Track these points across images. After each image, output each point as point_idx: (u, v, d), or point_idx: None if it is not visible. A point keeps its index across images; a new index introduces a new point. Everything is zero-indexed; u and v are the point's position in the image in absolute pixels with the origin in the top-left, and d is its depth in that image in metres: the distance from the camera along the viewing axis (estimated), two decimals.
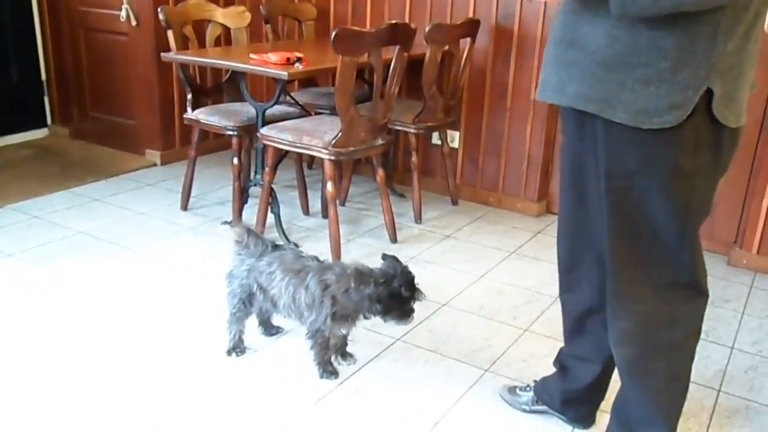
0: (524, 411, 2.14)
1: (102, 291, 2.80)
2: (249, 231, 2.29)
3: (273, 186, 3.27)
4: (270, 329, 2.50)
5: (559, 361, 2.05)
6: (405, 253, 3.26)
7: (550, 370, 2.10)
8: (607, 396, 2.01)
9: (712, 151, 1.47)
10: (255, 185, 3.40)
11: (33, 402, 2.10)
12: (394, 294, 2.04)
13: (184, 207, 3.67)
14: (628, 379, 1.75)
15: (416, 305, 2.11)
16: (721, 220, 3.29)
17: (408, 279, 2.07)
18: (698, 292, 1.65)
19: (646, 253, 1.58)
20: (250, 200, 3.48)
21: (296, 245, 3.27)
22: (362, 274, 2.08)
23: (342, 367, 2.33)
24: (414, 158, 3.62)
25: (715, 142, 1.47)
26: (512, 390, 2.19)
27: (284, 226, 3.35)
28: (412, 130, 3.55)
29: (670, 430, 1.75)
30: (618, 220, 1.58)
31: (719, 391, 2.28)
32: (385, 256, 2.15)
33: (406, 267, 2.11)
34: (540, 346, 2.51)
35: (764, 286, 3.07)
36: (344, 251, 3.14)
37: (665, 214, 1.52)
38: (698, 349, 1.91)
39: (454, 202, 3.93)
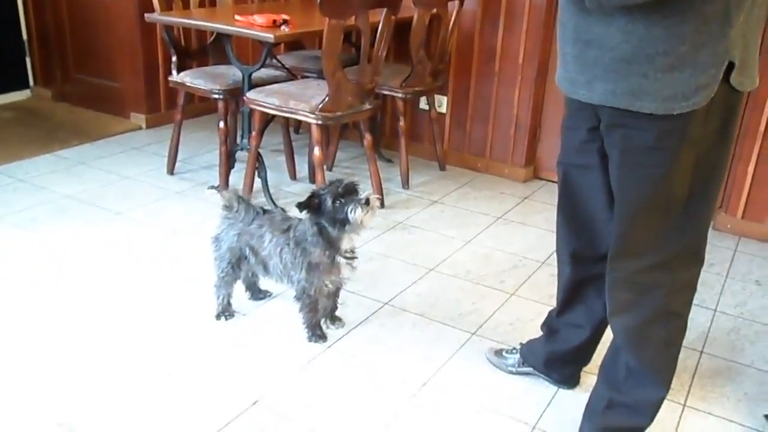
0: (510, 373, 2.17)
1: (89, 255, 2.79)
2: (239, 197, 2.29)
3: (260, 150, 3.24)
4: (257, 293, 2.52)
5: (548, 325, 2.08)
6: (393, 218, 3.26)
7: (537, 333, 2.13)
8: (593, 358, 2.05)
9: (722, 116, 1.49)
10: (242, 149, 3.38)
11: (21, 368, 2.10)
12: (329, 199, 2.03)
13: (171, 171, 3.65)
14: (624, 346, 1.78)
15: (373, 215, 2.08)
16: None
17: (339, 183, 2.07)
18: (697, 260, 1.68)
19: (655, 223, 1.59)
20: (236, 164, 3.46)
21: (284, 210, 3.26)
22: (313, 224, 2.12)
23: (331, 330, 2.35)
24: (401, 123, 3.60)
25: (726, 108, 1.48)
26: (498, 352, 2.22)
27: (271, 191, 3.33)
28: (399, 95, 3.52)
29: (664, 391, 1.79)
30: (629, 193, 1.59)
31: (702, 352, 2.33)
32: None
33: (338, 180, 2.10)
34: (526, 310, 2.54)
35: (748, 250, 3.11)
36: None
37: (675, 184, 1.53)
38: None
39: (442, 168, 3.93)
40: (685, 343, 1.99)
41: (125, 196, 3.37)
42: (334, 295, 2.34)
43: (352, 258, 2.19)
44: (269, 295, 2.53)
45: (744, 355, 2.34)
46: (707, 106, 1.43)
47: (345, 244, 2.15)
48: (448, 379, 2.15)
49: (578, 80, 1.57)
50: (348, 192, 2.05)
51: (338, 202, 2.03)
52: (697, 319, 2.49)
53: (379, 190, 3.36)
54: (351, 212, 2.02)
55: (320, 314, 2.29)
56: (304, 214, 2.10)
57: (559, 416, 2.00)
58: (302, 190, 3.52)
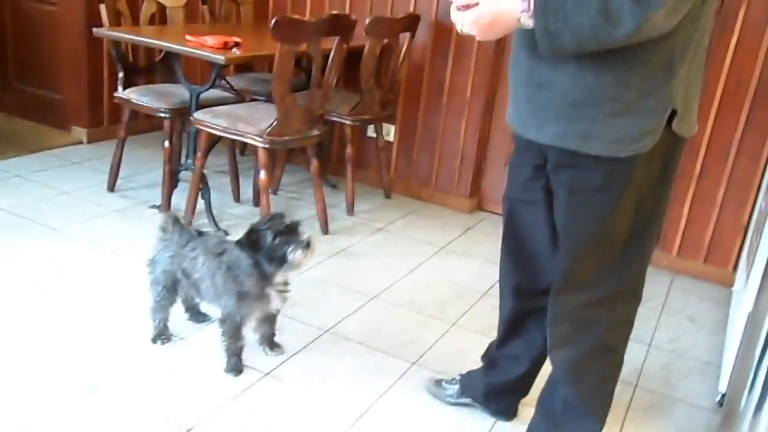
0: (449, 403, 2.17)
1: (22, 272, 2.68)
2: (175, 219, 2.26)
3: (204, 171, 3.20)
4: (197, 316, 2.46)
5: (488, 356, 2.09)
6: (336, 245, 3.25)
7: (477, 364, 2.14)
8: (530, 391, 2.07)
9: (663, 160, 1.55)
10: (186, 170, 3.32)
11: None
12: (269, 235, 2.01)
13: (111, 188, 3.56)
14: (562, 379, 1.81)
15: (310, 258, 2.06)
16: None
17: (280, 221, 2.04)
18: (635, 297, 1.74)
19: (597, 261, 1.64)
20: (180, 184, 3.40)
21: (226, 233, 3.21)
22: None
23: (270, 357, 2.31)
24: (349, 150, 3.61)
25: (667, 153, 1.55)
26: (438, 383, 2.22)
27: (214, 213, 3.28)
28: (348, 122, 3.53)
29: (599, 426, 1.82)
30: (573, 230, 1.64)
31: (636, 386, 2.38)
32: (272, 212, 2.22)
33: (269, 219, 2.07)
34: (467, 340, 2.55)
35: (682, 287, 3.21)
36: None
37: (618, 224, 1.59)
38: None
39: (387, 196, 3.94)
40: (619, 377, 2.04)
41: (62, 211, 3.26)
42: (271, 321, 2.29)
43: (284, 291, 2.16)
44: (209, 319, 2.47)
45: (677, 389, 2.40)
46: (650, 150, 1.49)
47: (279, 278, 2.12)
48: (387, 409, 2.13)
49: (529, 121, 1.61)
50: (289, 231, 2.02)
51: (278, 239, 2.00)
52: (631, 353, 2.53)
53: (324, 216, 3.35)
54: (291, 253, 2.00)
55: (242, 343, 2.21)
56: (241, 245, 2.06)
57: None
58: (246, 212, 3.48)
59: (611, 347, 1.76)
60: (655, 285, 3.17)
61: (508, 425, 2.11)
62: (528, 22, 1.41)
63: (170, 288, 2.23)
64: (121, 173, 3.57)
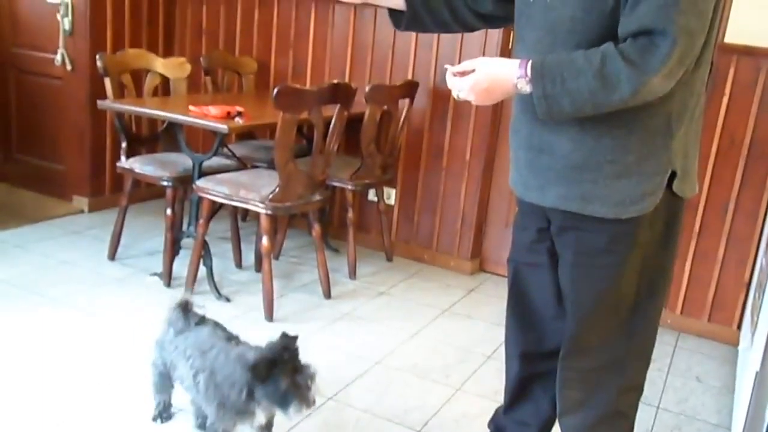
0: None
1: (22, 344, 2.66)
2: (184, 304, 2.09)
3: (206, 238, 3.21)
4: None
5: (495, 423, 2.06)
6: (339, 309, 3.23)
7: (483, 429, 2.10)
8: None
9: (666, 221, 1.56)
10: (188, 237, 3.33)
11: None
12: (269, 378, 1.76)
13: (112, 257, 3.56)
14: None
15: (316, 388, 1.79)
16: None
17: (288, 364, 1.78)
18: (645, 360, 1.72)
19: (605, 323, 1.63)
20: (181, 251, 3.40)
21: (228, 299, 3.21)
22: (241, 358, 1.83)
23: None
24: (350, 214, 3.63)
25: (669, 213, 1.56)
26: None
27: (216, 279, 3.28)
28: (349, 187, 3.57)
29: None
30: (580, 293, 1.64)
31: None
32: (282, 334, 1.84)
33: (288, 348, 1.80)
34: (472, 405, 2.51)
35: (687, 346, 3.18)
36: (277, 306, 3.09)
37: (624, 285, 1.58)
38: None
39: (389, 258, 3.95)
40: None
41: (62, 281, 3.26)
42: (268, 427, 2.01)
43: (271, 411, 1.88)
44: None
45: None
46: (653, 211, 1.50)
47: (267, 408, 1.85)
48: None
49: (531, 184, 1.64)
50: (298, 382, 1.77)
51: (288, 388, 1.75)
52: (640, 416, 2.48)
53: (326, 280, 3.34)
54: (294, 406, 1.75)
55: None
56: (242, 372, 1.80)
57: None
58: (247, 278, 3.47)
59: (622, 412, 1.73)
60: (661, 345, 3.13)
61: None
62: (525, 88, 1.45)
63: (165, 374, 2.10)
64: (122, 241, 3.57)
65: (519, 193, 1.72)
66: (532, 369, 1.89)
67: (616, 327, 1.63)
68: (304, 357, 1.80)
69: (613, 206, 1.50)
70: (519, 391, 1.95)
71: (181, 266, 3.32)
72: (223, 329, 2.04)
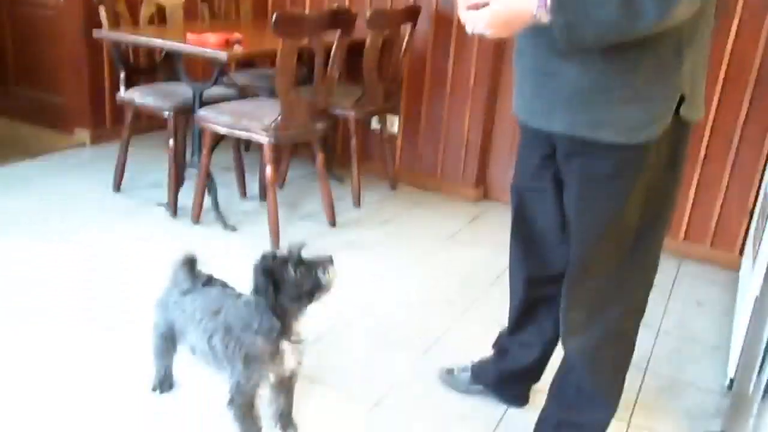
0: (461, 391, 2.19)
1: (33, 275, 2.70)
2: (189, 261, 1.93)
3: (209, 168, 3.21)
4: None
5: (498, 344, 2.10)
6: (344, 238, 3.26)
7: (487, 352, 2.15)
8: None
9: (672, 146, 1.55)
10: (191, 167, 3.33)
11: None
12: (291, 269, 1.66)
13: (117, 188, 3.57)
14: (575, 367, 1.81)
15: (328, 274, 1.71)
16: None
17: (292, 252, 1.68)
18: (647, 285, 1.74)
19: (609, 249, 1.64)
20: (186, 182, 3.41)
21: (234, 229, 3.23)
22: (248, 302, 1.74)
23: None
24: (353, 143, 3.61)
25: (675, 139, 1.54)
26: (450, 371, 2.23)
27: (221, 209, 3.29)
28: (351, 115, 3.54)
29: (612, 411, 1.83)
30: (586, 219, 1.64)
31: (645, 371, 2.39)
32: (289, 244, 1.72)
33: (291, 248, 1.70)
34: (476, 329, 2.56)
35: (689, 271, 3.21)
36: (283, 235, 3.12)
37: (630, 211, 1.58)
38: None
39: (393, 187, 3.95)
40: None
41: (69, 213, 3.28)
42: (288, 390, 1.91)
43: (300, 342, 1.76)
44: None
45: (686, 373, 2.41)
46: (660, 136, 1.49)
47: (297, 325, 1.75)
48: (398, 399, 2.15)
49: (536, 110, 1.61)
50: (301, 257, 1.69)
51: (300, 269, 1.67)
52: (640, 338, 2.53)
53: (331, 209, 3.36)
54: (323, 274, 1.68)
55: (259, 425, 1.83)
56: (255, 298, 1.70)
57: None
58: (252, 208, 3.49)
59: (623, 334, 1.77)
60: (663, 270, 3.10)
61: (520, 411, 2.12)
62: (544, 18, 1.40)
63: (168, 337, 1.95)
64: (127, 173, 3.58)
65: (523, 120, 1.70)
66: (536, 293, 1.92)
67: (620, 252, 1.64)
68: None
69: (622, 132, 1.49)
70: (523, 314, 1.98)
71: (187, 197, 3.33)
72: (232, 289, 1.90)
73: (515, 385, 2.12)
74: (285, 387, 1.87)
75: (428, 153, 3.93)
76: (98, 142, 4.26)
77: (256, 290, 1.68)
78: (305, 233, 3.27)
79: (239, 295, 1.82)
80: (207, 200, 3.28)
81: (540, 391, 2.07)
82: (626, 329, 1.77)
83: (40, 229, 3.09)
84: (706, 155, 3.21)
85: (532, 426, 1.91)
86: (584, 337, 1.75)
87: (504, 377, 2.10)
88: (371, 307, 2.68)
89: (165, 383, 2.06)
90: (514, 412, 2.12)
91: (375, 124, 3.96)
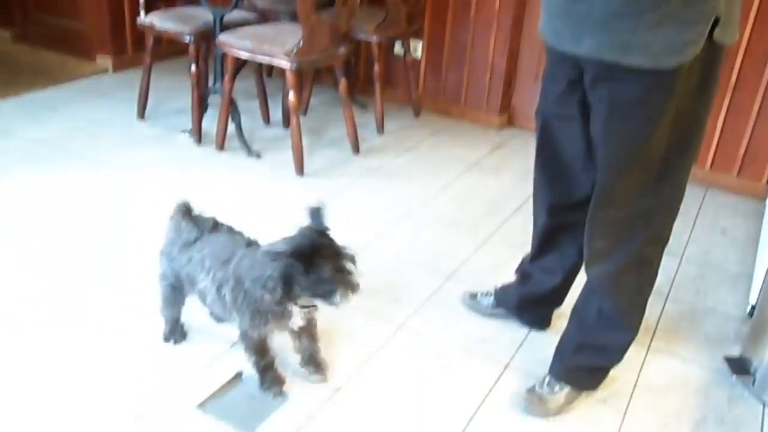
0: (484, 315, 2.23)
1: (62, 201, 2.75)
2: (186, 208, 1.87)
3: (232, 95, 3.20)
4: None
5: (521, 270, 2.13)
6: (367, 164, 3.26)
7: (510, 277, 2.18)
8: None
9: (703, 71, 1.51)
10: (214, 94, 3.32)
11: None
12: (311, 266, 1.56)
13: (141, 115, 3.58)
14: (597, 291, 1.83)
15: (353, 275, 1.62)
16: None
17: (329, 249, 1.59)
18: (672, 213, 1.73)
19: (636, 176, 1.63)
20: (209, 109, 3.40)
21: (258, 155, 3.24)
22: (270, 254, 1.62)
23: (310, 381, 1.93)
24: (376, 68, 3.57)
25: (707, 63, 1.50)
26: (473, 296, 2.27)
27: (245, 136, 3.30)
28: (374, 39, 3.48)
29: (633, 335, 1.86)
30: (613, 146, 1.61)
31: (667, 297, 2.41)
32: (310, 212, 1.64)
33: (323, 233, 1.62)
34: (499, 255, 2.59)
35: (714, 200, 3.18)
36: (307, 161, 3.13)
37: (657, 138, 1.56)
38: None
39: (417, 114, 3.92)
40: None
41: (96, 140, 3.31)
42: (308, 333, 1.87)
43: (308, 307, 1.71)
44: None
45: (707, 300, 2.43)
46: (691, 60, 1.45)
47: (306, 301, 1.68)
48: (422, 322, 2.19)
49: (565, 33, 1.58)
50: (339, 263, 1.59)
51: (330, 276, 1.57)
52: (663, 265, 2.53)
53: (354, 136, 3.35)
54: (337, 296, 1.59)
55: (271, 356, 1.85)
56: (270, 269, 1.59)
57: (530, 356, 2.07)
58: (276, 135, 3.50)
59: (647, 260, 1.77)
60: (688, 198, 3.05)
61: (541, 335, 2.16)
62: None
63: (177, 287, 1.90)
64: (150, 100, 3.58)
65: (551, 43, 1.66)
66: (559, 219, 1.92)
67: (646, 179, 1.63)
68: (335, 222, 1.68)
69: (653, 56, 1.45)
70: (546, 240, 1.99)
71: (210, 124, 3.34)
72: (241, 234, 1.85)
73: (537, 309, 2.16)
74: (304, 332, 1.85)
75: (452, 79, 3.88)
76: (120, 68, 4.24)
77: (295, 258, 1.55)
78: (329, 160, 3.28)
79: (249, 243, 1.79)
80: (231, 127, 3.28)
81: (562, 316, 2.10)
82: (650, 257, 1.77)
83: (67, 157, 3.13)
84: (737, 81, 3.12)
85: (554, 349, 1.94)
86: (608, 263, 1.76)
87: (526, 301, 2.14)
88: (395, 232, 2.71)
89: (176, 333, 2.02)
90: (535, 335, 2.16)
91: (398, 48, 3.90)
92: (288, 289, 1.59)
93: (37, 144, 3.22)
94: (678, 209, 1.73)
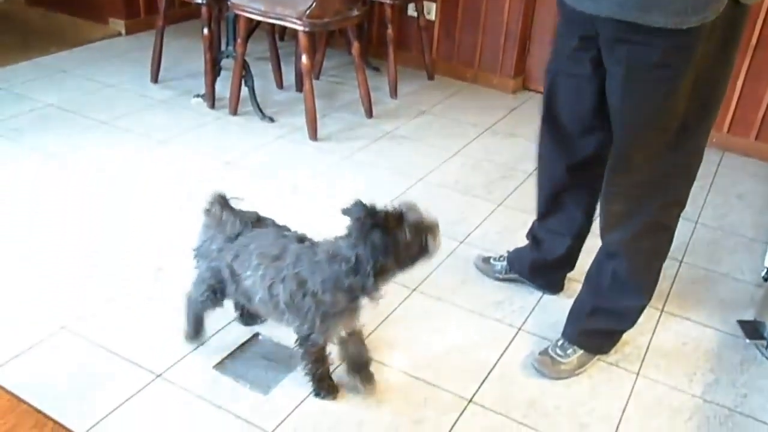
0: (497, 279, 2.23)
1: (77, 165, 2.77)
2: (223, 201, 1.72)
3: (245, 58, 3.18)
4: (250, 318, 1.99)
5: (532, 234, 2.13)
6: (381, 128, 3.25)
7: (523, 242, 2.18)
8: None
9: (724, 32, 1.47)
10: (227, 57, 3.30)
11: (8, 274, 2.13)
12: (399, 234, 1.48)
13: (155, 79, 3.58)
14: (612, 255, 1.83)
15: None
16: None
17: (385, 221, 1.48)
18: (689, 178, 1.71)
19: (653, 141, 1.61)
20: (222, 72, 3.39)
21: (271, 119, 3.24)
22: (334, 256, 1.53)
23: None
24: (389, 31, 3.53)
25: (729, 24, 1.46)
26: (486, 260, 2.28)
27: (258, 100, 3.29)
28: (387, 1, 3.43)
29: (647, 300, 1.87)
30: (630, 109, 1.59)
31: (681, 261, 2.40)
32: (347, 212, 1.49)
33: (374, 209, 1.49)
34: (513, 219, 2.58)
35: (731, 164, 3.15)
36: (320, 125, 3.12)
37: (676, 102, 1.53)
38: None
39: (430, 77, 3.88)
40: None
41: (109, 104, 3.31)
42: (359, 337, 1.76)
43: (379, 298, 1.59)
44: (263, 321, 1.98)
45: (721, 265, 2.42)
46: (712, 21, 1.42)
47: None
48: (435, 285, 2.21)
49: None
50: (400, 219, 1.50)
51: (411, 233, 1.49)
52: (678, 230, 2.54)
53: (368, 99, 3.33)
54: (432, 241, 1.52)
55: (328, 365, 1.75)
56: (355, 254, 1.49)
57: (543, 319, 2.09)
58: (289, 98, 3.48)
59: (663, 225, 1.76)
60: (704, 163, 3.03)
61: (554, 299, 2.17)
62: None
63: (218, 289, 1.76)
64: (163, 64, 3.57)
65: (569, 3, 1.63)
66: (563, 180, 1.92)
67: (664, 144, 1.61)
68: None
69: (674, 15, 1.42)
70: (551, 202, 2.00)
71: (224, 87, 3.33)
72: (287, 228, 1.72)
73: (549, 274, 2.16)
74: (353, 336, 1.75)
75: (466, 42, 3.83)
76: (133, 31, 4.23)
77: (367, 247, 1.47)
78: (342, 124, 3.27)
79: (300, 239, 1.66)
80: (243, 91, 3.27)
81: (575, 280, 2.11)
82: (666, 222, 1.76)
83: (82, 120, 3.14)
84: (758, 42, 3.06)
85: (566, 313, 1.95)
86: (624, 228, 1.75)
87: (538, 266, 2.14)
88: (408, 196, 2.70)
89: (200, 333, 1.90)
90: (548, 299, 2.17)
91: (411, 10, 3.84)
92: (385, 261, 1.48)
93: (52, 107, 3.23)
94: (696, 174, 1.71)
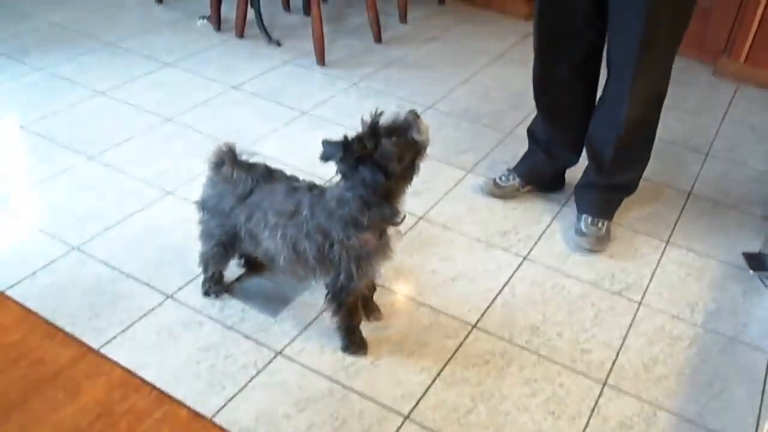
0: (510, 197, 2.30)
1: (82, 85, 2.75)
2: (231, 154, 1.63)
3: None
4: (255, 267, 1.94)
5: (544, 148, 2.27)
6: (389, 54, 3.20)
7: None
8: None
9: None
10: None
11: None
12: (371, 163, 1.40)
13: (159, 0, 3.50)
14: (614, 152, 2.04)
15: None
16: (713, 28, 3.23)
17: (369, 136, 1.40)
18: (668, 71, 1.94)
19: (669, 36, 1.80)
20: None
21: (279, 43, 3.18)
22: (341, 201, 1.47)
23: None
24: None
25: None
26: (495, 183, 2.31)
27: (265, 23, 3.23)
28: None
29: (641, 172, 2.17)
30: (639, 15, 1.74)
31: (690, 193, 2.40)
32: (325, 157, 1.40)
33: (348, 142, 1.39)
34: (523, 148, 2.55)
35: (747, 95, 3.09)
36: (328, 50, 3.07)
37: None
38: (675, 154, 2.04)
39: (441, 2, 3.79)
40: (673, 184, 2.06)
41: (114, 24, 3.26)
42: (372, 283, 1.76)
43: (401, 221, 1.53)
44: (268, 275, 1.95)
45: (729, 197, 2.41)
46: None
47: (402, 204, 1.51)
48: (442, 214, 2.21)
49: None
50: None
51: (394, 141, 1.41)
52: (687, 162, 2.53)
53: (376, 24, 3.26)
54: (417, 134, 1.45)
55: (359, 317, 1.71)
56: (354, 191, 1.44)
57: (548, 249, 2.10)
58: (297, 22, 3.41)
59: (657, 118, 2.03)
60: (717, 94, 3.07)
61: (558, 228, 2.18)
62: None
63: (228, 244, 1.71)
64: None
65: None
66: (553, 75, 2.09)
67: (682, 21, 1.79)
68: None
69: None
70: (550, 110, 2.19)
71: (230, 9, 3.26)
72: (297, 179, 1.63)
73: (563, 177, 2.34)
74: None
75: None
76: None
77: (363, 183, 1.42)
78: (350, 50, 3.21)
79: (311, 187, 1.58)
80: (250, 13, 3.20)
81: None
82: (658, 113, 1.99)
83: (86, 40, 3.10)
84: None
85: (570, 244, 1.98)
86: (626, 132, 1.96)
87: (558, 176, 2.32)
88: None
89: (217, 287, 1.84)
90: (554, 228, 2.18)
91: None
92: (385, 184, 1.41)
93: (56, 27, 3.18)
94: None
